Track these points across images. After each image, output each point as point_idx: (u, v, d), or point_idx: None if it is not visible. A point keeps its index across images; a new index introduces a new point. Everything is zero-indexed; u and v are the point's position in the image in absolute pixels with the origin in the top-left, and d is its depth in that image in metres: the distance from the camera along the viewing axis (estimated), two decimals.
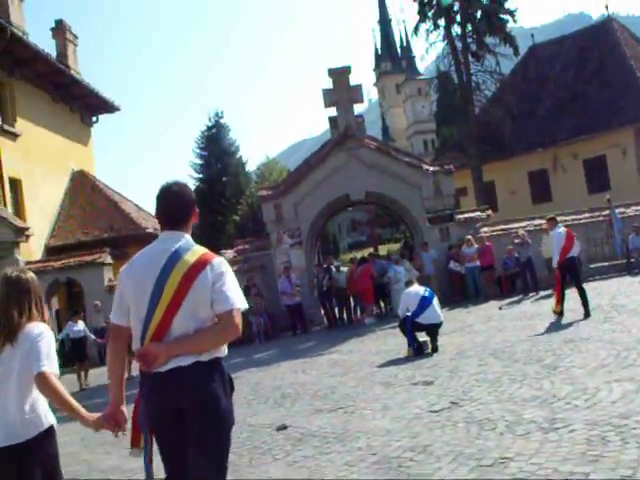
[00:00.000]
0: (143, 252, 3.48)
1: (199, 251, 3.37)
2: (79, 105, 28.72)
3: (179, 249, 3.34)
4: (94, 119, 30.70)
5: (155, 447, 3.35)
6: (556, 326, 11.14)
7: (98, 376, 15.35)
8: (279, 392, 9.60)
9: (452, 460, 5.13)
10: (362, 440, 6.19)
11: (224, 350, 3.37)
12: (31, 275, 3.92)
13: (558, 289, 12.34)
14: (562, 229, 12.80)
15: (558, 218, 19.83)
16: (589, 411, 5.77)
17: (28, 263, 20.96)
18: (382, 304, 19.59)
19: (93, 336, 16.50)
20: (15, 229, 20.73)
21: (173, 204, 3.47)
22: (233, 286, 3.32)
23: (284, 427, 7.25)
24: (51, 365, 3.54)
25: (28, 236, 21.48)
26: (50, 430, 3.62)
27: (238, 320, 3.25)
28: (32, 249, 22.49)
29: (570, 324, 11.05)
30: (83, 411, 3.55)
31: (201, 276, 3.26)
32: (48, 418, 3.63)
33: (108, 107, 30.64)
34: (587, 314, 11.69)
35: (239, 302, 3.29)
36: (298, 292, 18.48)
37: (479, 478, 4.64)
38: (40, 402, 3.61)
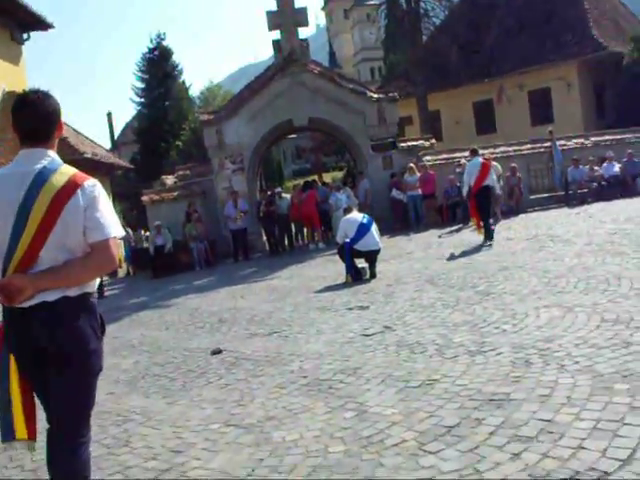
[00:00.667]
0: (1, 172, 3.09)
1: (68, 172, 3.00)
2: (7, 20, 27.26)
3: (44, 170, 2.97)
4: (25, 36, 29.19)
5: None
6: (492, 254, 11.32)
7: None
8: (216, 317, 9.61)
9: (381, 382, 5.21)
10: (294, 363, 6.24)
11: (94, 284, 3.10)
12: None
13: (475, 215, 13.32)
14: (479, 159, 13.50)
15: (501, 149, 20.32)
16: (516, 335, 5.91)
17: None
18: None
19: None
20: None
21: (33, 116, 3.04)
22: (108, 212, 3.01)
23: (219, 351, 7.26)
24: None
25: None
26: None
27: (114, 250, 2.98)
28: None
29: (506, 253, 11.25)
30: None
31: (71, 202, 2.91)
32: None
33: (40, 24, 29.15)
34: (487, 239, 12.81)
35: (115, 230, 3.00)
36: (241, 217, 18.31)
37: (405, 398, 4.73)
38: None
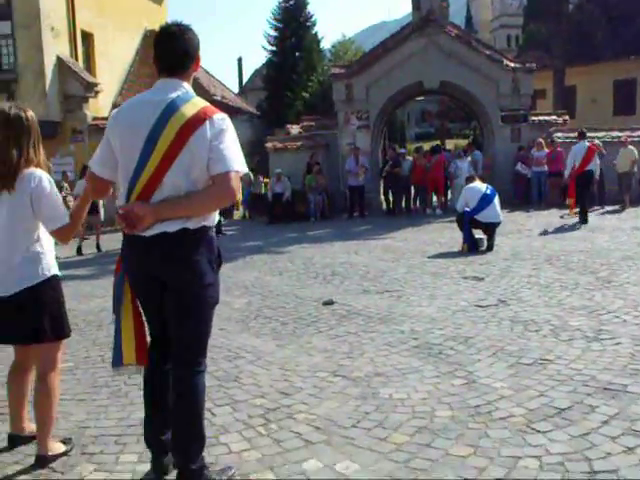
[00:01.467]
0: (136, 99, 3.21)
1: (199, 104, 3.06)
2: None
3: (176, 99, 3.03)
4: None
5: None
6: (617, 242, 10.88)
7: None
8: (329, 269, 9.76)
9: (492, 355, 5.18)
10: (406, 324, 6.28)
11: (213, 218, 3.17)
12: (31, 114, 3.63)
13: (573, 195, 13.79)
14: (586, 143, 13.83)
15: (638, 133, 19.27)
16: (637, 327, 5.70)
17: (96, 119, 21.23)
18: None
19: None
20: (85, 84, 20.90)
21: (171, 48, 3.12)
22: (233, 146, 3.03)
23: (331, 302, 7.40)
24: (61, 219, 3.55)
25: (97, 92, 21.63)
26: (52, 279, 3.63)
27: (235, 184, 2.98)
28: (100, 105, 22.68)
29: (632, 242, 10.78)
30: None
31: (198, 132, 2.96)
32: (51, 270, 3.64)
33: None
34: (584, 221, 13.23)
35: (238, 164, 3.01)
36: (363, 172, 18.36)
37: (516, 374, 4.68)
38: (44, 254, 3.61)
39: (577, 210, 13.64)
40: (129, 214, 2.96)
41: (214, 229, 3.22)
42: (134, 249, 3.11)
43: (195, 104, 3.05)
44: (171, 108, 3.00)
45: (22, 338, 3.63)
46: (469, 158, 18.32)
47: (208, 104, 3.11)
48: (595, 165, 14.00)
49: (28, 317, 3.52)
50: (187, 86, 3.13)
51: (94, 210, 14.00)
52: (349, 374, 4.94)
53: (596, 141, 17.71)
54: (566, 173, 14.31)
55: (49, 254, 3.66)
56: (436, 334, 5.87)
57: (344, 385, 4.72)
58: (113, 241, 13.80)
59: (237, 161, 3.02)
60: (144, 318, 3.33)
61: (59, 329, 3.65)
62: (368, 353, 5.44)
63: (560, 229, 12.22)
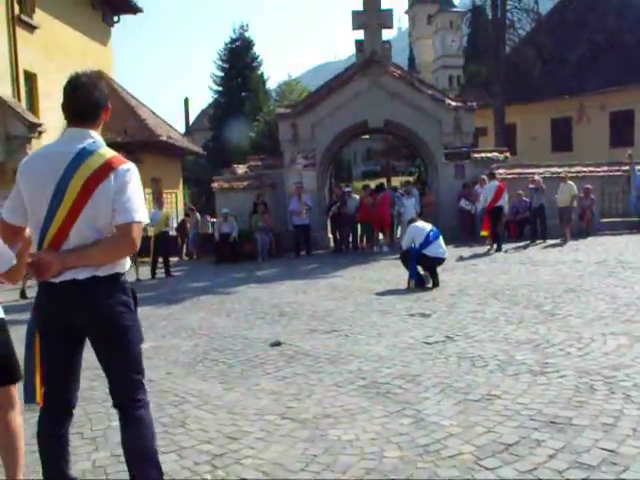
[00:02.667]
0: (45, 150, 3.26)
1: (105, 155, 3.11)
2: (100, 2, 28.01)
3: (83, 151, 3.09)
4: (115, 19, 29.97)
5: None
6: (559, 275, 11.11)
7: None
8: (277, 310, 9.69)
9: (440, 392, 5.18)
10: (354, 364, 6.25)
11: (125, 265, 3.24)
12: None
13: (487, 228, 16.22)
14: (495, 183, 16.24)
15: (576, 168, 19.87)
16: (581, 359, 5.79)
17: None
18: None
19: None
20: (28, 124, 20.57)
21: (82, 98, 3.17)
22: (136, 198, 3.09)
23: (278, 343, 7.33)
24: (9, 261, 3.36)
25: (41, 132, 21.28)
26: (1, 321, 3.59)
27: (136, 234, 3.06)
28: (44, 146, 22.33)
29: (574, 275, 11.03)
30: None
31: (103, 184, 3.03)
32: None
33: (131, 7, 29.87)
34: (498, 249, 15.64)
35: (139, 215, 3.08)
36: (306, 211, 18.47)
37: (464, 411, 4.69)
38: None
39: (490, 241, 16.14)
40: (37, 261, 3.03)
41: (126, 274, 3.28)
42: (47, 296, 3.15)
43: (102, 155, 3.10)
44: (78, 159, 3.06)
45: None
46: (413, 198, 18.55)
47: (115, 154, 3.15)
48: (504, 201, 16.34)
49: None
50: (95, 135, 3.19)
51: None
52: (297, 416, 4.88)
53: (537, 177, 18.23)
54: (479, 208, 17.14)
55: None
56: (384, 372, 5.85)
57: (292, 428, 4.65)
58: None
59: (138, 212, 3.08)
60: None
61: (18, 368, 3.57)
62: (316, 394, 5.39)
63: (533, 270, 12.44)
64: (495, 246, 15.79)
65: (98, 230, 3.08)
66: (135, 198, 3.08)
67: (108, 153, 3.13)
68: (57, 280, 3.05)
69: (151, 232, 16.06)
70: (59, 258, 3.01)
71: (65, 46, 24.36)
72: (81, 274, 3.05)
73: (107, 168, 3.05)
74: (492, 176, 16.67)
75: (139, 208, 3.09)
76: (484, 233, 16.45)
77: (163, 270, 16.27)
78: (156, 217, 16.28)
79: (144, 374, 3.32)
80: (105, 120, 3.31)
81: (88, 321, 3.11)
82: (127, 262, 3.27)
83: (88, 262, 3.05)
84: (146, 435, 3.22)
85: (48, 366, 3.24)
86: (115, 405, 3.26)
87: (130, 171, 3.11)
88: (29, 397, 3.29)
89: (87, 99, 3.17)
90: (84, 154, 3.08)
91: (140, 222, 3.08)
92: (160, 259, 16.35)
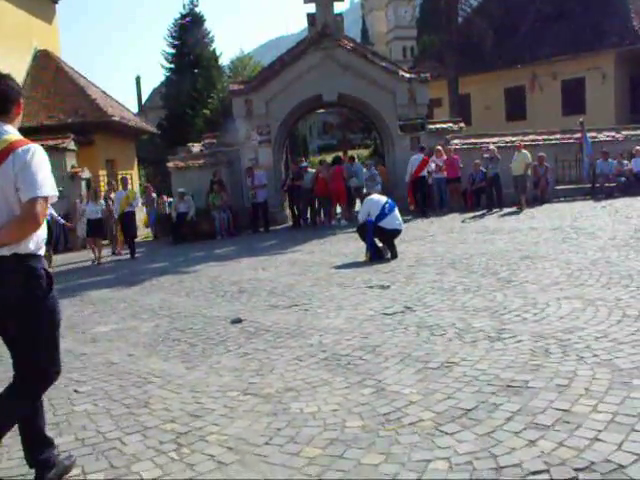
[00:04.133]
0: None
1: (8, 140, 3.30)
2: None
3: None
4: None
5: None
6: (515, 242, 11.30)
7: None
8: (236, 287, 9.69)
9: (399, 361, 5.25)
10: (314, 337, 6.30)
11: (33, 245, 3.33)
12: None
13: (411, 196, 18.54)
14: (421, 156, 17.91)
15: (530, 137, 20.12)
16: (536, 324, 5.92)
17: None
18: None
19: (62, 220, 16.62)
20: None
21: None
22: (38, 174, 3.24)
23: (239, 320, 7.34)
24: None
25: None
26: None
27: (38, 209, 3.19)
28: None
29: (529, 242, 11.22)
30: None
31: (3, 165, 3.21)
32: None
33: None
34: (424, 215, 17.27)
35: (42, 191, 3.22)
36: (252, 194, 18.58)
37: (424, 379, 4.77)
38: None
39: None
40: None
41: (36, 256, 3.38)
42: None
43: (5, 140, 3.29)
44: None
45: None
46: (373, 170, 18.67)
47: (18, 138, 3.35)
48: (425, 172, 17.96)
49: None
50: (7, 127, 3.40)
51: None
52: (259, 391, 4.91)
53: (491, 146, 18.44)
54: (406, 179, 18.39)
55: None
56: (344, 345, 5.90)
57: (255, 403, 4.68)
58: None
59: (42, 187, 3.24)
60: None
61: None
62: (278, 369, 5.42)
63: (489, 239, 12.61)
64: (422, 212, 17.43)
65: (8, 210, 3.24)
66: (37, 175, 3.23)
67: (12, 138, 3.32)
68: None
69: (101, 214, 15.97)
70: None
71: (8, 24, 23.65)
72: None
73: (7, 151, 3.24)
74: (422, 149, 18.50)
75: (42, 184, 3.23)
76: (410, 201, 18.48)
77: (127, 251, 16.16)
78: (120, 196, 16.20)
79: (52, 356, 3.47)
80: (19, 113, 3.56)
81: None
82: (36, 242, 3.34)
83: None
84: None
85: None
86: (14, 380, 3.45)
87: (30, 151, 3.27)
88: None
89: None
90: None
91: (44, 196, 3.23)
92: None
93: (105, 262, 15.78)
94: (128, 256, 16.03)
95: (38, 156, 3.29)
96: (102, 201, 17.55)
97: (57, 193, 3.36)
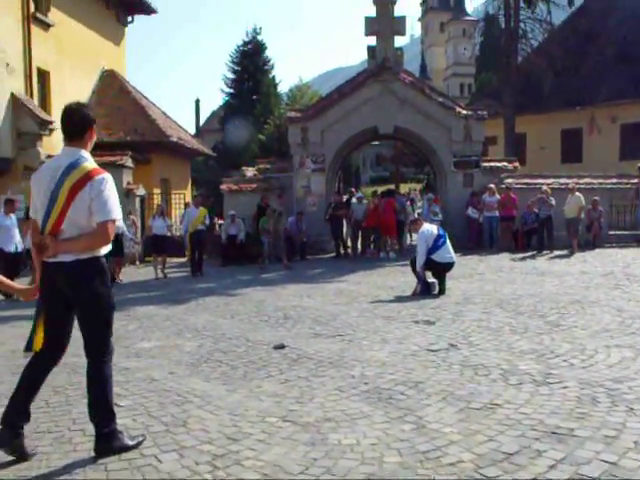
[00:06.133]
0: (47, 164, 4.28)
1: (86, 168, 4.05)
2: (115, 2, 28.11)
3: (70, 166, 4.05)
4: (129, 19, 30.06)
5: None
6: (565, 286, 11.09)
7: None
8: (282, 313, 9.71)
9: (442, 399, 5.17)
10: (356, 369, 6.25)
11: (100, 251, 4.18)
12: None
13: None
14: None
15: (585, 180, 19.82)
16: (584, 371, 5.78)
17: (49, 157, 21.01)
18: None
19: (131, 235, 17.19)
20: (39, 121, 20.69)
21: (70, 122, 4.16)
22: (109, 201, 4.04)
23: (282, 346, 7.33)
24: None
25: (52, 130, 21.39)
26: None
27: (110, 229, 4.06)
28: (54, 143, 22.41)
29: (580, 286, 11.00)
30: (15, 285, 4.80)
31: (82, 192, 3.99)
32: None
33: (144, 8, 29.96)
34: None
35: (112, 214, 4.05)
36: (303, 235, 18.86)
37: (465, 419, 4.68)
38: None
39: None
40: (39, 243, 4.10)
41: (103, 257, 4.26)
42: (46, 270, 4.18)
43: (83, 167, 4.06)
44: (66, 172, 4.04)
45: None
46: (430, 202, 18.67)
47: (94, 167, 4.10)
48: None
49: None
50: (84, 152, 4.17)
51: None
52: (298, 419, 4.88)
53: (545, 187, 18.23)
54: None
55: None
56: (386, 378, 5.85)
57: (293, 430, 4.65)
58: None
59: (112, 212, 4.07)
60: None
61: None
62: (318, 398, 5.39)
63: (539, 281, 12.44)
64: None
65: (81, 226, 4.06)
66: (108, 201, 4.04)
67: (90, 166, 4.08)
68: (50, 260, 4.09)
69: (178, 231, 16.16)
70: (54, 244, 4.03)
71: (79, 45, 24.48)
72: (67, 257, 4.06)
73: (86, 179, 4.01)
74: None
75: (112, 209, 4.06)
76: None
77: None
78: (193, 214, 16.48)
79: (110, 334, 4.32)
80: (92, 138, 4.27)
81: (71, 289, 4.12)
82: (105, 248, 4.22)
83: (74, 250, 4.05)
84: (104, 385, 4.25)
85: (49, 317, 4.23)
86: (86, 356, 4.28)
87: (104, 180, 4.06)
88: (29, 347, 4.26)
89: (73, 123, 4.18)
90: (71, 168, 4.04)
91: (113, 219, 4.07)
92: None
93: (166, 278, 16.02)
94: (182, 274, 16.21)
95: (109, 184, 4.06)
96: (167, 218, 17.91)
97: (120, 216, 4.14)
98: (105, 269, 4.23)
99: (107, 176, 4.09)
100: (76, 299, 4.16)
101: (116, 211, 4.08)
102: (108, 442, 4.25)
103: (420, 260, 11.01)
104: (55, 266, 4.11)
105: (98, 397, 4.23)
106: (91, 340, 4.23)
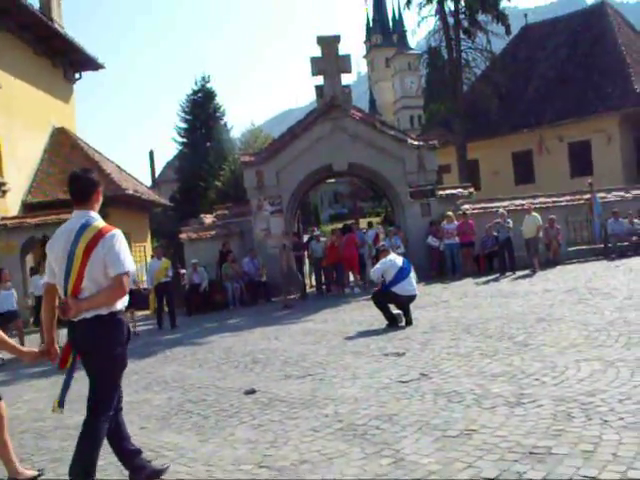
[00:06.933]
0: (61, 228, 4.47)
1: (96, 227, 4.28)
2: (62, 60, 28.01)
3: (82, 227, 4.28)
4: (77, 76, 29.96)
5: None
6: (530, 305, 11.17)
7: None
8: (250, 357, 9.58)
9: (417, 430, 5.12)
10: (329, 407, 6.17)
11: (118, 305, 4.31)
12: None
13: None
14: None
15: (540, 199, 20.19)
16: (556, 388, 5.78)
17: (4, 219, 20.72)
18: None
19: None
20: None
21: (76, 187, 4.45)
22: (120, 254, 4.22)
23: (252, 391, 7.22)
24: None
25: (5, 191, 21.15)
26: None
27: (123, 282, 4.21)
28: (8, 205, 22.11)
29: (544, 304, 11.10)
30: (21, 347, 4.99)
31: (96, 249, 4.20)
32: None
33: (92, 64, 29.92)
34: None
35: (125, 267, 4.22)
36: (264, 272, 18.82)
37: (442, 447, 4.63)
38: None
39: None
40: (64, 305, 4.22)
41: (121, 312, 4.42)
42: (71, 329, 4.33)
43: (94, 227, 4.29)
44: (79, 233, 4.26)
45: None
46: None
47: (104, 225, 4.34)
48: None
49: None
50: (92, 213, 4.41)
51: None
52: (274, 464, 4.78)
53: (501, 210, 18.48)
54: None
55: None
56: (360, 414, 5.77)
57: (270, 476, 4.56)
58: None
59: (123, 265, 4.23)
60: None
61: None
62: (293, 440, 5.29)
63: (504, 303, 12.52)
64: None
65: (99, 282, 4.23)
66: (120, 255, 4.22)
67: (100, 225, 4.32)
68: (75, 319, 4.25)
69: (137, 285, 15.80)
70: (75, 304, 4.19)
71: (27, 105, 24.23)
72: (89, 314, 4.22)
73: (98, 237, 4.23)
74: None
75: (123, 262, 4.23)
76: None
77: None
78: (155, 267, 16.05)
79: (115, 396, 4.42)
80: (98, 200, 4.53)
81: (88, 344, 4.28)
82: (122, 302, 4.36)
83: (95, 306, 4.20)
84: (96, 441, 4.28)
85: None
86: (87, 410, 4.34)
87: (115, 236, 4.27)
88: (61, 404, 4.39)
89: (80, 188, 4.46)
90: (82, 229, 4.27)
91: (126, 272, 4.23)
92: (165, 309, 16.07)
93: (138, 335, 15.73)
94: (149, 327, 15.91)
95: (120, 239, 4.28)
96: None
97: (133, 268, 4.34)
98: (122, 326, 4.36)
99: (117, 232, 4.31)
100: (91, 354, 4.31)
101: (129, 264, 4.27)
102: None
103: (373, 275, 11.78)
104: (77, 324, 4.28)
105: (84, 453, 4.25)
106: (96, 397, 4.32)
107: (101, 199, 4.58)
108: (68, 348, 4.42)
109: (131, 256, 4.40)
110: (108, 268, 4.19)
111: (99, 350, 4.26)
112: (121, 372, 4.43)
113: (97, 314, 4.20)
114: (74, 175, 4.54)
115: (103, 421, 4.30)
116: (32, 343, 14.43)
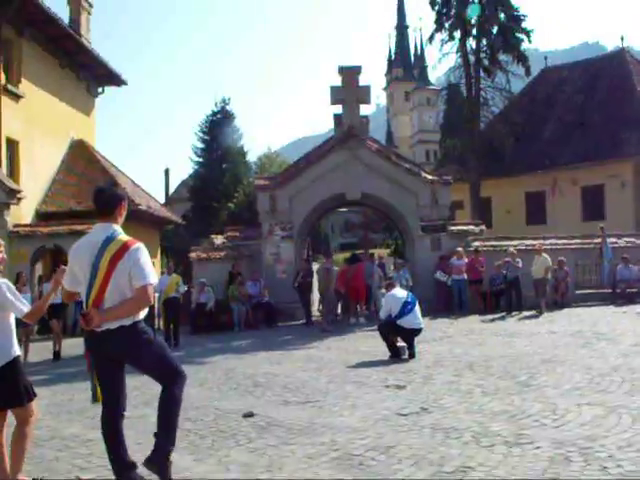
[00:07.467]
0: (83, 240, 4.67)
1: (121, 240, 4.47)
2: (86, 74, 28.40)
3: (106, 240, 4.45)
4: (99, 90, 30.37)
5: None
6: (535, 346, 11.13)
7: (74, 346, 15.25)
8: (251, 380, 9.56)
9: (413, 464, 5.09)
10: (326, 435, 6.15)
11: (140, 315, 4.53)
12: None
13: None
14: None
15: (550, 241, 20.16)
16: (556, 430, 5.75)
17: (17, 226, 20.86)
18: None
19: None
20: (7, 190, 20.56)
21: (101, 201, 4.64)
22: (146, 266, 4.41)
23: (251, 414, 7.20)
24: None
25: (20, 199, 21.27)
26: (16, 359, 4.94)
27: (149, 293, 4.41)
28: (22, 213, 22.28)
29: (548, 346, 11.05)
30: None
31: (121, 261, 4.37)
32: (15, 350, 4.95)
33: (116, 80, 30.34)
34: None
35: (149, 279, 4.41)
36: (265, 292, 18.87)
37: None
38: (7, 337, 4.92)
39: None
40: (87, 315, 4.36)
41: (142, 321, 4.61)
42: (93, 339, 4.52)
43: (119, 240, 4.48)
44: (104, 245, 4.43)
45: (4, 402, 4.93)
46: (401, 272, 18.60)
47: (129, 239, 4.51)
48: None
49: (7, 386, 4.84)
50: (116, 226, 4.60)
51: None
52: None
53: (511, 249, 18.48)
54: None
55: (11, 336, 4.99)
56: (357, 444, 5.75)
57: None
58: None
59: (149, 277, 4.42)
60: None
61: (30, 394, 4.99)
62: (288, 466, 5.27)
63: (510, 342, 12.47)
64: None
65: (123, 293, 4.41)
66: (145, 267, 4.41)
67: (124, 238, 4.50)
68: (98, 329, 4.39)
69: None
70: (98, 315, 4.35)
71: (49, 115, 24.55)
72: (113, 325, 4.40)
73: (123, 249, 4.41)
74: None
75: (149, 274, 4.42)
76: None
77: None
78: (164, 283, 15.89)
79: (171, 362, 4.73)
80: (122, 215, 4.72)
81: (120, 353, 4.55)
82: (143, 312, 4.57)
83: (118, 317, 4.39)
84: (174, 406, 4.73)
85: (103, 382, 4.70)
86: (160, 384, 4.70)
87: (139, 249, 4.47)
88: (95, 398, 5.13)
89: (104, 201, 4.66)
90: (107, 242, 4.44)
91: (151, 283, 4.43)
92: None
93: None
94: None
95: (144, 252, 4.48)
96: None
97: (157, 280, 4.59)
98: (146, 329, 4.58)
99: (141, 245, 4.51)
100: (127, 360, 4.63)
101: (153, 275, 4.47)
102: (159, 457, 4.65)
103: (382, 315, 11.56)
104: (102, 334, 4.43)
105: (165, 415, 4.66)
106: (160, 375, 4.65)
107: (124, 213, 4.75)
108: (88, 355, 4.90)
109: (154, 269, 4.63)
110: (134, 279, 4.36)
111: (136, 355, 4.53)
112: (158, 350, 4.61)
113: (121, 324, 4.39)
114: (98, 190, 4.77)
115: (176, 384, 4.65)
116: (37, 352, 14.46)
